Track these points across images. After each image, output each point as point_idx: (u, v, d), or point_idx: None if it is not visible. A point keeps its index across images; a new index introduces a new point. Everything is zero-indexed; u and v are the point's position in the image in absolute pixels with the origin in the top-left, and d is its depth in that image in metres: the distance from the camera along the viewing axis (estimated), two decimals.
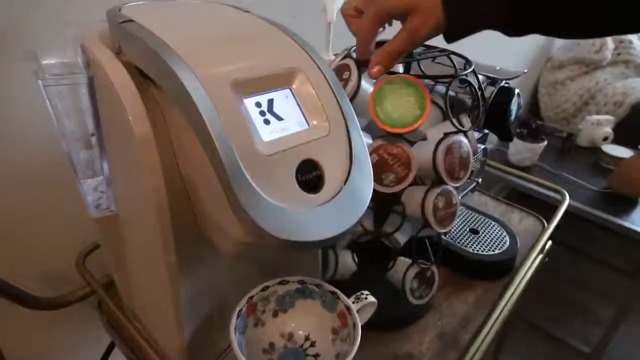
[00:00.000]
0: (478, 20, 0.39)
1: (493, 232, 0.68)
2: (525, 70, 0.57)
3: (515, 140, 1.52)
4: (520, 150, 1.52)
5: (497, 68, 0.57)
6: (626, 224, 1.28)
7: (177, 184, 0.34)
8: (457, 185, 0.46)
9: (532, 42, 1.87)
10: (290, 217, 0.29)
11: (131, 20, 0.33)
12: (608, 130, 1.67)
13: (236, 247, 0.32)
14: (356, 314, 0.43)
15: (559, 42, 2.07)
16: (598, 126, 1.69)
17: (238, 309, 0.42)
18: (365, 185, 0.33)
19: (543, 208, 0.81)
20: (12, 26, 0.46)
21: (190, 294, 0.40)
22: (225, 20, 0.38)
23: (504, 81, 0.55)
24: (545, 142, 1.50)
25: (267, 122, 0.31)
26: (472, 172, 0.68)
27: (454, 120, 0.45)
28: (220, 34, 0.35)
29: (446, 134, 0.44)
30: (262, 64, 0.32)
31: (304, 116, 0.33)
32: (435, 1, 0.38)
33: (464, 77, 0.45)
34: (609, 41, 1.88)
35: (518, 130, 1.53)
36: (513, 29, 0.39)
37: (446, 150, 0.43)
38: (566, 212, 1.39)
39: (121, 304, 0.52)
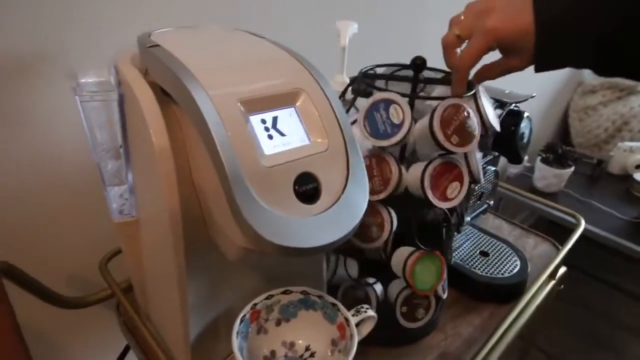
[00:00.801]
0: (565, 59, 0.41)
1: (504, 255, 0.68)
2: (534, 94, 0.58)
3: (541, 165, 1.49)
4: (546, 175, 1.49)
5: (506, 91, 0.58)
6: None
7: (191, 193, 0.38)
8: (449, 205, 0.47)
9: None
10: (287, 225, 0.32)
11: (157, 45, 0.38)
12: None
13: (239, 252, 0.35)
14: (354, 326, 0.44)
15: None
16: (631, 153, 1.64)
17: (242, 315, 0.44)
18: (360, 198, 0.35)
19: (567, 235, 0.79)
20: (57, 48, 0.52)
21: (197, 299, 0.42)
22: (239, 45, 0.41)
23: (513, 104, 0.56)
24: (573, 168, 1.47)
25: (270, 137, 0.34)
26: (482, 194, 0.68)
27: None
28: (234, 57, 0.38)
29: (438, 155, 0.46)
30: (269, 84, 0.35)
31: (306, 133, 0.35)
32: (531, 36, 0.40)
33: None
34: None
35: (544, 156, 1.51)
36: (599, 70, 0.41)
37: (434, 170, 0.45)
38: (594, 242, 1.34)
39: (137, 307, 0.55)
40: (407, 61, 0.50)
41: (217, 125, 0.31)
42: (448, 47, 0.44)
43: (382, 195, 0.46)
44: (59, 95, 0.54)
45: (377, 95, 0.46)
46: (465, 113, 0.44)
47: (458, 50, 0.44)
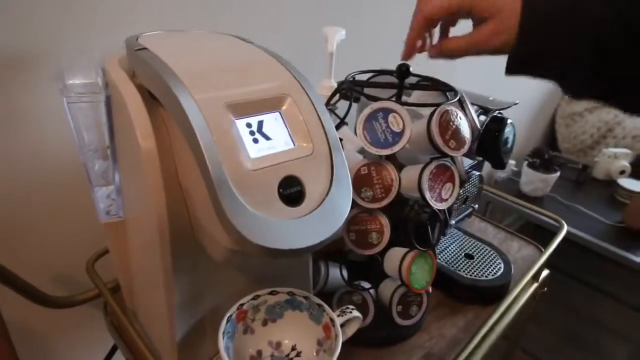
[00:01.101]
0: (550, 56, 0.37)
1: (488, 258, 0.69)
2: (517, 102, 0.59)
3: (527, 170, 1.52)
4: (533, 180, 1.52)
5: (490, 98, 0.59)
6: (637, 259, 1.25)
7: (177, 195, 0.38)
8: (445, 206, 0.48)
9: None
10: (271, 227, 0.32)
11: (145, 49, 0.38)
12: (625, 163, 1.65)
13: (224, 253, 0.35)
14: (339, 326, 0.45)
15: None
16: (615, 159, 1.67)
17: (228, 314, 0.44)
18: (344, 202, 0.36)
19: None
20: (44, 48, 0.52)
21: (183, 299, 0.43)
22: (227, 50, 0.42)
23: (496, 111, 0.57)
24: (558, 173, 1.50)
25: (255, 140, 0.34)
26: (467, 197, 0.70)
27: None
28: (221, 62, 0.39)
29: (432, 159, 0.47)
30: (255, 89, 0.36)
31: (291, 137, 0.36)
32: (515, 17, 0.36)
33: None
34: None
35: (531, 160, 1.53)
36: (584, 84, 0.37)
37: (430, 174, 0.46)
38: (579, 245, 1.37)
39: (124, 307, 0.55)
40: (390, 66, 0.51)
41: (203, 128, 0.32)
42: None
43: (384, 203, 0.46)
44: (48, 96, 0.54)
45: (375, 105, 0.46)
46: (459, 118, 0.45)
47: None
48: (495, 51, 0.39)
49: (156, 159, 0.36)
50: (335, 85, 0.64)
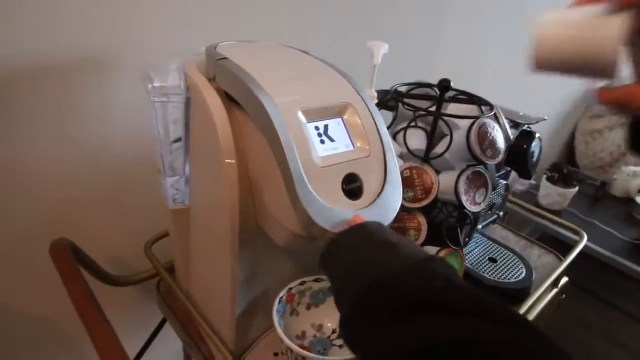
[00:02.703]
0: None
1: (510, 262, 0.73)
2: (545, 117, 0.64)
3: (546, 183, 1.55)
4: (551, 193, 1.54)
5: (521, 113, 0.64)
6: None
7: (246, 187, 0.44)
8: (478, 209, 0.53)
9: (570, 90, 1.91)
10: (336, 215, 0.38)
11: (225, 58, 0.44)
12: None
13: (290, 237, 0.41)
14: None
15: None
16: (634, 177, 1.69)
17: (280, 295, 0.50)
18: (395, 198, 0.41)
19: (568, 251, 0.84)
20: (128, 51, 0.58)
21: (241, 278, 0.48)
22: (293, 60, 0.48)
23: (526, 125, 0.62)
24: (577, 188, 1.52)
25: (322, 142, 0.40)
26: (493, 204, 0.74)
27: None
28: (291, 71, 0.45)
29: (468, 166, 0.52)
30: (323, 96, 0.41)
31: (351, 140, 0.41)
32: None
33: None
34: None
35: (549, 174, 1.56)
36: None
37: (467, 179, 0.51)
38: (595, 259, 1.38)
39: (179, 285, 0.61)
40: (421, 78, 0.56)
41: (283, 128, 0.37)
42: None
43: (424, 203, 0.52)
44: (120, 92, 0.60)
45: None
46: (495, 130, 0.50)
47: None
48: None
49: (233, 157, 0.41)
50: (375, 95, 0.70)
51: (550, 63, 0.28)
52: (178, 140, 0.52)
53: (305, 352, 0.43)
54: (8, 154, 0.55)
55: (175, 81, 0.47)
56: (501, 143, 0.50)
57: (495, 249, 0.76)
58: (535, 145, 0.63)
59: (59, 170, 0.60)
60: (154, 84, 0.46)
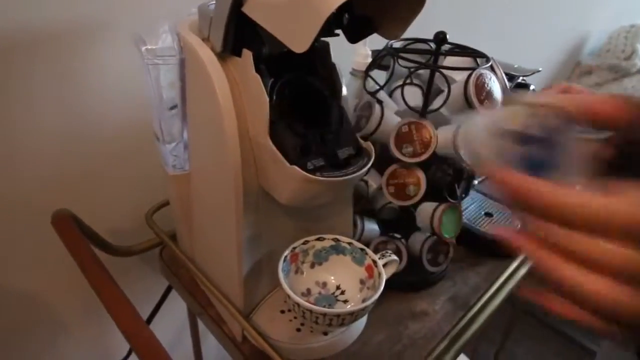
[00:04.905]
0: None
1: (506, 216, 0.75)
2: (540, 69, 0.64)
3: None
4: None
5: (515, 66, 0.64)
6: None
7: (247, 147, 0.43)
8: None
9: (562, 47, 1.90)
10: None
11: None
12: None
13: (290, 193, 0.41)
14: (381, 266, 0.51)
15: (588, 47, 2.09)
16: None
17: (284, 255, 0.51)
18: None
19: None
20: (121, 16, 0.57)
21: (246, 239, 0.49)
22: None
23: (520, 77, 0.62)
24: None
25: None
26: None
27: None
28: None
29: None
30: None
31: None
32: None
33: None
34: (639, 48, 1.89)
35: None
36: None
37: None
38: None
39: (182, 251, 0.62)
40: (418, 35, 0.56)
41: None
42: None
43: (423, 157, 0.52)
44: (114, 58, 0.58)
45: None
46: (493, 81, 0.50)
47: None
48: None
49: (234, 117, 0.41)
50: (370, 53, 0.69)
51: None
52: (175, 107, 0.51)
53: (311, 306, 0.45)
54: (5, 127, 0.54)
55: (169, 42, 0.46)
56: (498, 94, 0.50)
57: (490, 205, 0.78)
58: None
59: (56, 140, 0.58)
60: (147, 47, 0.45)
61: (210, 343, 0.94)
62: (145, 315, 0.71)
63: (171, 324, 0.89)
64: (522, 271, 0.68)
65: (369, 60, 0.64)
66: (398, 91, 0.55)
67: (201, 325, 0.79)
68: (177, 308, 0.81)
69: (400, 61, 0.54)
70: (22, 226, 0.60)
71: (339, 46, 0.47)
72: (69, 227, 0.51)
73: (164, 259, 0.66)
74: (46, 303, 0.68)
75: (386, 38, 0.42)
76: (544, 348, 1.61)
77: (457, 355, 0.55)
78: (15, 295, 0.64)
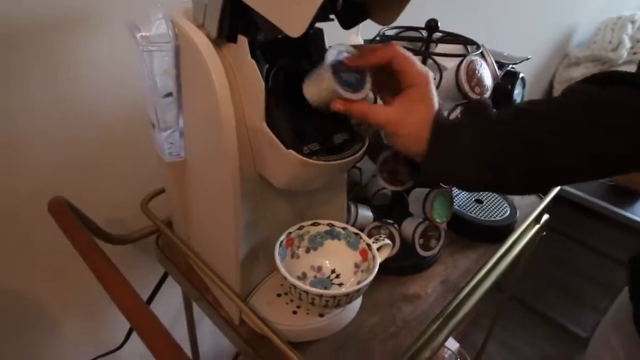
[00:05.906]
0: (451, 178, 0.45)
1: (495, 202, 0.77)
2: (529, 57, 0.65)
3: None
4: None
5: (505, 54, 0.65)
6: (627, 214, 1.35)
7: (243, 133, 0.44)
8: None
9: (550, 39, 1.92)
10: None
11: None
12: None
13: (288, 175, 0.42)
14: (375, 250, 0.53)
15: (576, 39, 2.11)
16: None
17: (280, 239, 0.52)
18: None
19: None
20: (111, 6, 0.57)
21: (243, 224, 0.50)
22: None
23: (510, 65, 0.63)
24: None
25: None
26: None
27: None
28: None
29: (457, 105, 0.53)
30: None
31: None
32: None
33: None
34: (626, 39, 1.92)
35: None
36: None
37: (456, 118, 0.52)
38: (570, 201, 1.45)
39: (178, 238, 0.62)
40: (410, 23, 0.56)
41: None
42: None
43: None
44: (106, 47, 0.58)
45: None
46: (483, 68, 0.51)
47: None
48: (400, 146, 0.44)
49: (230, 103, 0.41)
50: (362, 42, 0.69)
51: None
52: (170, 95, 0.52)
53: (307, 287, 0.46)
54: (1, 115, 0.54)
55: (163, 30, 0.46)
56: (488, 81, 0.52)
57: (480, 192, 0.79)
58: (519, 85, 0.65)
59: (51, 131, 0.58)
60: (142, 34, 0.45)
61: (205, 328, 0.95)
62: None
63: (166, 312, 0.90)
64: (511, 256, 0.70)
65: None
66: None
67: (196, 313, 0.80)
68: (171, 295, 0.81)
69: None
70: (16, 216, 0.60)
71: (332, 34, 0.48)
72: (66, 213, 0.52)
73: (160, 246, 0.66)
74: (36, 296, 0.68)
75: (379, 24, 0.43)
76: (534, 334, 1.64)
77: (448, 335, 0.57)
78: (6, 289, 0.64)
